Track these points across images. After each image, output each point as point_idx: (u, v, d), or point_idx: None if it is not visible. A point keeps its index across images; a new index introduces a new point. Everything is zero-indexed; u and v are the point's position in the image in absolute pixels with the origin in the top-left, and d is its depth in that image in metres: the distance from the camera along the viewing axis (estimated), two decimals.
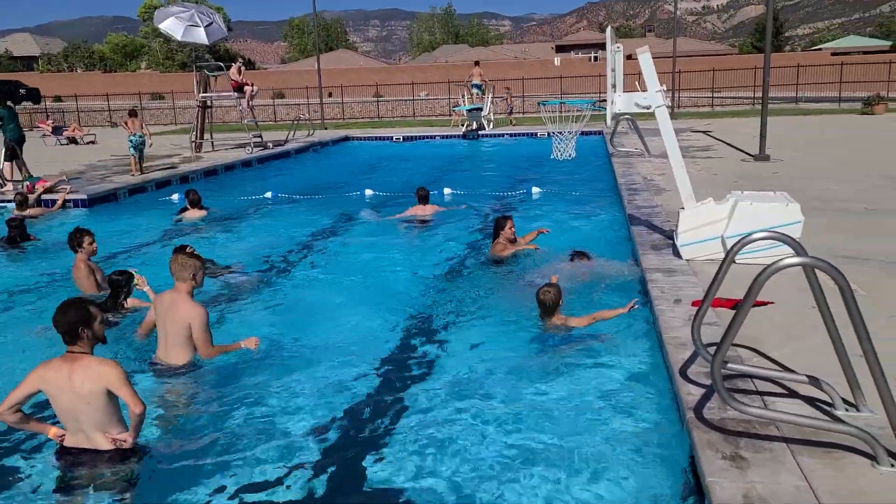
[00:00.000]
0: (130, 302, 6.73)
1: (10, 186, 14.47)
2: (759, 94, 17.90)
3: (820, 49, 69.40)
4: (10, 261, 9.75)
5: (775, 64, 20.56)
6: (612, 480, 3.92)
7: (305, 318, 6.90)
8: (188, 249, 8.12)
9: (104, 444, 3.84)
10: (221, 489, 4.01)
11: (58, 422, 4.02)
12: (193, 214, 11.79)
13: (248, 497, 3.96)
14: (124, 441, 3.85)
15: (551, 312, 5.85)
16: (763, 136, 15.18)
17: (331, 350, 5.98)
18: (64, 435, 3.92)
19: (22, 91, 18.18)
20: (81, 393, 3.74)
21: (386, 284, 8.05)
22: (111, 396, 3.80)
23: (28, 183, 14.13)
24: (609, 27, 8.11)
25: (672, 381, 4.63)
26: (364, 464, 4.24)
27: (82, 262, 7.42)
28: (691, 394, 4.26)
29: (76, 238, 7.40)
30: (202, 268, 5.55)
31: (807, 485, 3.28)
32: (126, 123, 17.12)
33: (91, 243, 7.44)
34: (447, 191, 13.79)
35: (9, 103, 16.13)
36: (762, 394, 4.23)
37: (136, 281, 6.68)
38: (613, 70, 7.58)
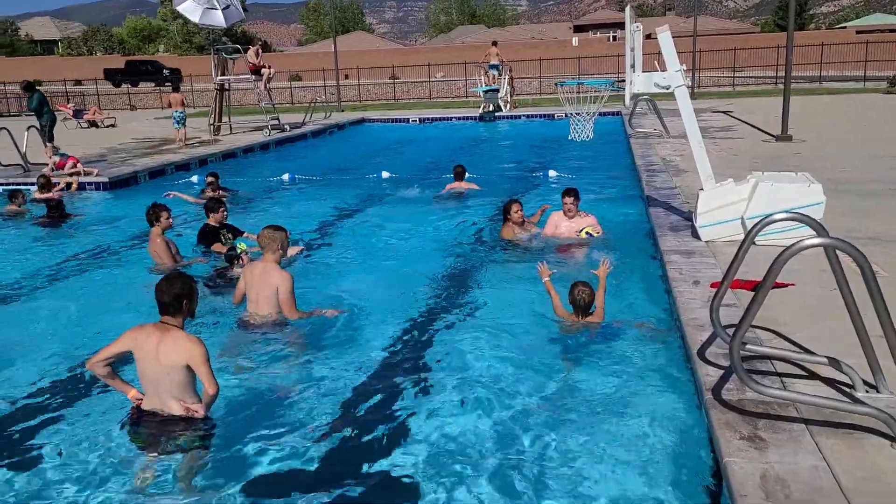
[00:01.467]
0: (237, 272, 7.12)
1: (47, 169, 14.48)
2: (782, 74, 17.62)
3: (844, 27, 68.15)
4: (63, 237, 10.07)
5: (798, 43, 20.22)
6: (629, 461, 3.93)
7: (335, 291, 7.08)
8: (222, 209, 8.36)
9: (178, 410, 4.01)
10: (281, 449, 4.19)
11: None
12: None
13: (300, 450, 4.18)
14: (196, 412, 4.02)
15: (586, 311, 5.67)
16: (785, 116, 14.95)
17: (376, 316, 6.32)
18: (142, 399, 4.09)
19: (165, 71, 18.73)
20: (164, 363, 3.91)
21: (410, 262, 8.18)
22: (190, 371, 3.97)
23: (59, 159, 14.21)
24: (628, 6, 8.02)
25: (690, 362, 4.63)
26: (377, 442, 4.31)
27: (158, 235, 7.74)
28: (709, 375, 4.26)
29: (153, 213, 7.75)
30: (287, 239, 6.02)
31: (825, 465, 3.28)
32: (171, 100, 19.14)
33: (168, 218, 7.82)
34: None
35: (37, 88, 16.35)
36: (781, 375, 4.22)
37: (240, 250, 7.24)
38: (632, 50, 7.50)
